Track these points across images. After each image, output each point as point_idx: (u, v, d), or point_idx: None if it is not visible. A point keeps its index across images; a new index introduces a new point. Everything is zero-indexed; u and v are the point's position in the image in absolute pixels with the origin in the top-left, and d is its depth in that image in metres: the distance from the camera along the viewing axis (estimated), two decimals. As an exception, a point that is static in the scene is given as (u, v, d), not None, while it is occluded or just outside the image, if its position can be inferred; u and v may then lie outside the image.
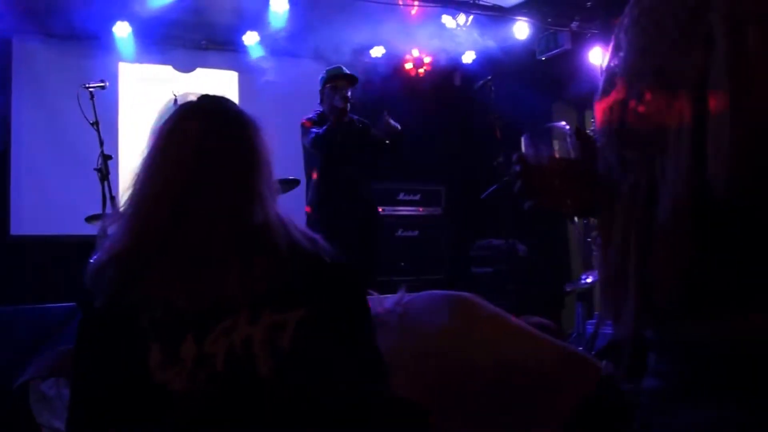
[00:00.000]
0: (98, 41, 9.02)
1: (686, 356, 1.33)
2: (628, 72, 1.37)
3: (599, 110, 1.46)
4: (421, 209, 9.59)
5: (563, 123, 1.69)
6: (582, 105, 9.29)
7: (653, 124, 1.30)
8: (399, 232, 9.52)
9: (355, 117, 7.36)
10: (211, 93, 2.16)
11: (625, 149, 1.38)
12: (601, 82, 1.50)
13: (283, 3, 8.64)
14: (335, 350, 1.98)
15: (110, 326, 1.93)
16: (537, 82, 9.38)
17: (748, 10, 1.21)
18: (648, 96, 1.31)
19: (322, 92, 7.25)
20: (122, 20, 8.94)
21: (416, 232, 9.56)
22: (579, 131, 1.63)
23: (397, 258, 9.26)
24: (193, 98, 2.14)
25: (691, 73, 1.25)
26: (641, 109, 1.33)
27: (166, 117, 2.08)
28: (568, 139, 1.65)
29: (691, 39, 1.26)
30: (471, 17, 9.39)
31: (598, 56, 9.07)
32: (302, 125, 7.08)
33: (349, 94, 7.14)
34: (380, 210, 9.40)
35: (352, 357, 2.02)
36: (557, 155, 1.65)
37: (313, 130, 6.94)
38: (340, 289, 2.08)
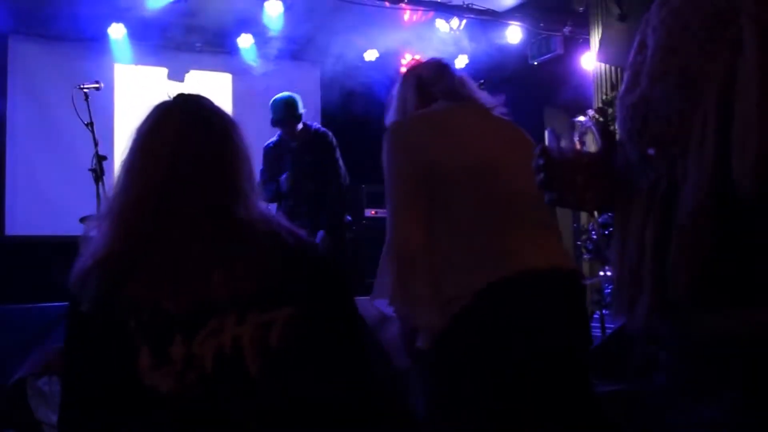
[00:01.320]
0: (93, 43, 9.02)
1: (699, 352, 1.34)
2: (654, 71, 1.37)
3: (622, 107, 1.47)
4: (413, 211, 9.57)
5: (586, 118, 1.69)
6: (573, 109, 9.30)
7: (676, 124, 1.31)
8: (391, 234, 9.50)
9: (313, 127, 7.23)
10: (204, 94, 2.16)
11: (647, 147, 1.39)
12: (625, 78, 1.51)
13: (277, 6, 8.64)
14: (323, 347, 1.98)
15: (98, 330, 1.91)
16: (529, 85, 9.40)
17: None
18: (673, 96, 1.32)
19: (280, 121, 7.04)
20: (117, 22, 8.93)
21: (408, 234, 9.54)
22: (603, 126, 1.62)
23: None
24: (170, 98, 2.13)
25: (717, 75, 1.25)
26: (665, 108, 1.33)
27: (144, 118, 2.07)
28: (591, 134, 1.65)
29: (718, 42, 1.26)
30: (464, 21, 9.41)
31: (589, 61, 9.10)
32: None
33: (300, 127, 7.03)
34: (372, 213, 9.42)
35: (339, 353, 2.02)
36: (579, 149, 1.66)
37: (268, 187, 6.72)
38: (325, 285, 2.07)
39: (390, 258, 2.86)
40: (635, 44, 1.51)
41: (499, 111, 3.17)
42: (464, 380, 2.74)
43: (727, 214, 1.24)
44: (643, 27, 1.50)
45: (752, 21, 1.22)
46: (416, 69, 3.32)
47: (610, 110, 7.17)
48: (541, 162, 1.65)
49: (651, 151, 1.37)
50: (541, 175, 1.65)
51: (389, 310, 2.90)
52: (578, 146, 1.66)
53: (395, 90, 3.26)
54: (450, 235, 2.79)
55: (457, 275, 2.75)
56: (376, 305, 3.05)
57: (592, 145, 1.64)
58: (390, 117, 3.22)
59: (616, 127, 1.54)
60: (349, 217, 7.71)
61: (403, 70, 3.43)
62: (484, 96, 3.18)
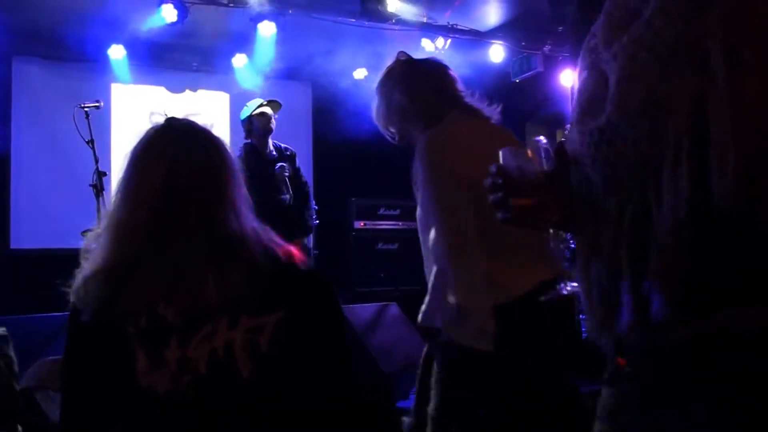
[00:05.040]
0: (94, 63, 9.03)
1: (673, 359, 1.32)
2: (619, 97, 1.34)
3: (582, 132, 1.43)
4: (401, 223, 9.60)
5: (542, 138, 1.67)
6: (554, 124, 9.36)
7: (645, 147, 1.29)
8: (379, 246, 9.55)
9: (282, 145, 7.39)
10: (202, 114, 2.20)
11: (612, 170, 1.36)
12: (578, 103, 1.48)
13: (270, 27, 8.67)
14: (311, 351, 2.01)
15: (97, 337, 1.94)
16: (511, 102, 9.43)
17: (744, 36, 1.21)
18: (640, 120, 1.29)
19: (248, 126, 7.23)
20: (117, 44, 8.95)
21: (396, 245, 9.58)
22: (558, 146, 1.59)
23: (377, 270, 9.29)
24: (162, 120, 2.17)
25: (685, 98, 1.24)
26: (633, 132, 1.30)
27: (138, 139, 2.11)
28: (543, 154, 1.62)
29: (684, 65, 1.25)
30: (449, 41, 9.46)
31: (568, 78, 9.15)
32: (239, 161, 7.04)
33: (274, 121, 7.16)
34: (361, 224, 9.44)
35: (326, 357, 2.04)
36: (535, 169, 1.62)
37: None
38: (315, 294, 2.10)
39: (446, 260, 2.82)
40: (581, 70, 1.51)
41: (496, 120, 3.15)
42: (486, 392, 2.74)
43: (707, 231, 1.23)
44: (588, 54, 1.50)
45: (719, 43, 1.21)
46: (419, 63, 3.23)
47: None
48: (496, 182, 1.63)
49: (616, 174, 1.36)
50: (497, 195, 1.63)
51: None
52: (534, 166, 1.63)
53: (395, 83, 3.15)
54: (488, 244, 2.78)
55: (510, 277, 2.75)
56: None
57: (546, 164, 1.61)
58: (392, 106, 3.14)
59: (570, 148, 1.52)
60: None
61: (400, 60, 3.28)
62: (483, 106, 3.14)
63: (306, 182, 7.49)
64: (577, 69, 1.55)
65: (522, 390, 2.74)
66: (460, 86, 3.15)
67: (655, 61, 1.28)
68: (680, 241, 1.24)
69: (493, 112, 3.13)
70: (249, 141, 7.21)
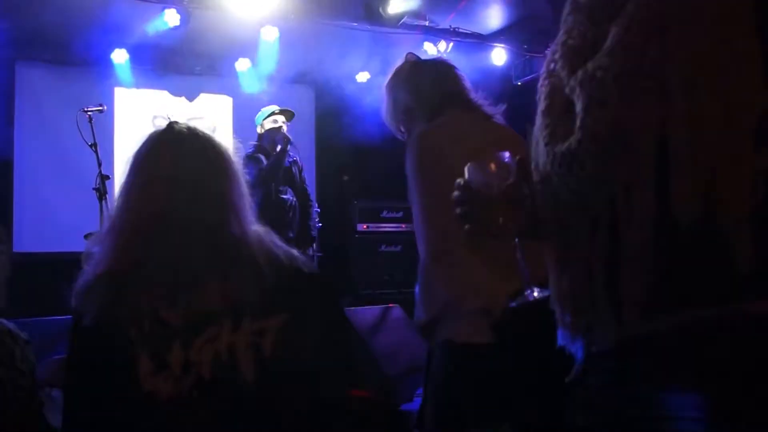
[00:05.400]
0: (97, 67, 9.03)
1: (646, 351, 1.39)
2: (587, 123, 1.38)
3: (552, 152, 1.47)
4: (403, 226, 9.58)
5: (506, 152, 1.70)
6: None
7: (615, 170, 1.36)
8: (382, 248, 9.53)
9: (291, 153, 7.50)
10: (205, 118, 2.20)
11: (583, 189, 1.43)
12: (545, 125, 1.52)
13: (273, 31, 8.67)
14: (314, 354, 2.00)
15: (100, 341, 1.94)
16: (513, 104, 9.43)
17: (702, 64, 1.29)
18: (608, 143, 1.36)
19: (262, 127, 7.39)
20: (120, 48, 8.95)
21: (399, 248, 9.57)
22: (519, 161, 1.65)
23: (381, 272, 9.28)
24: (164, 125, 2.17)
25: (649, 122, 1.32)
26: (604, 155, 1.37)
27: (140, 143, 2.12)
28: (507, 168, 1.66)
29: (647, 91, 1.32)
30: (451, 44, 9.46)
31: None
32: (246, 157, 7.12)
33: (285, 128, 7.30)
34: (364, 227, 9.44)
35: (329, 359, 2.04)
36: (500, 183, 1.67)
37: (252, 168, 7.02)
38: (318, 296, 2.10)
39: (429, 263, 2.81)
40: (546, 93, 1.55)
41: (499, 119, 3.13)
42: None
43: (671, 242, 1.32)
44: (549, 77, 1.55)
45: (676, 69, 1.30)
46: (425, 63, 3.25)
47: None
48: (461, 196, 1.70)
49: (584, 190, 1.42)
50: (461, 209, 1.70)
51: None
52: (498, 179, 1.67)
53: (400, 81, 3.17)
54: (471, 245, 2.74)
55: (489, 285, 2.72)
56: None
57: (510, 178, 1.66)
58: (398, 104, 3.15)
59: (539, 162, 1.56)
60: None
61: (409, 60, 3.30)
62: (485, 103, 3.14)
63: (309, 193, 7.65)
64: (541, 88, 1.60)
65: (522, 383, 2.73)
66: (464, 84, 3.14)
67: (619, 89, 1.34)
68: (647, 252, 1.34)
69: (496, 111, 3.13)
70: (257, 144, 7.32)
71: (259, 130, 7.39)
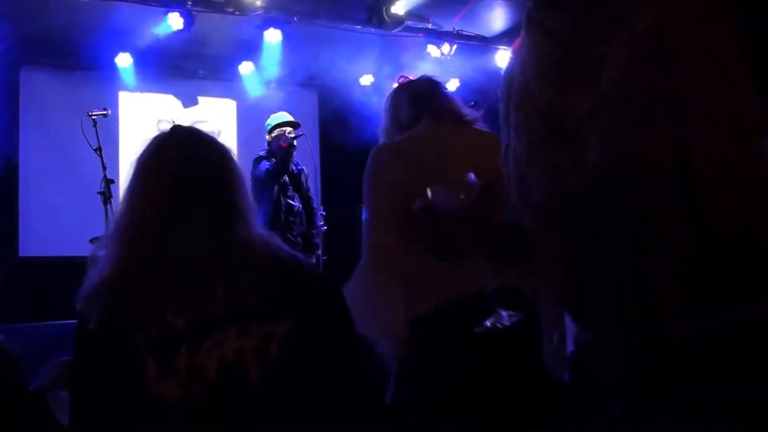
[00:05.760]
0: (101, 71, 9.04)
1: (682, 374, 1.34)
2: (606, 152, 1.34)
3: (555, 184, 1.43)
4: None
5: (471, 174, 1.62)
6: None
7: (634, 197, 1.32)
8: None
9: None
10: (209, 121, 2.20)
11: (597, 217, 1.38)
12: (538, 161, 1.47)
13: (276, 34, 8.67)
14: (319, 358, 2.00)
15: (106, 345, 1.94)
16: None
17: (712, 86, 1.27)
18: (627, 172, 1.32)
19: (270, 133, 7.59)
20: (124, 51, 8.96)
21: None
22: (483, 184, 1.59)
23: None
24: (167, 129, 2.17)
25: (668, 147, 1.28)
26: (622, 183, 1.33)
27: (144, 147, 2.12)
28: (471, 190, 1.59)
29: (662, 116, 1.29)
30: (455, 46, 9.45)
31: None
32: (256, 158, 7.47)
33: (293, 135, 7.46)
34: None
35: (335, 364, 2.03)
36: (463, 205, 1.59)
37: (265, 163, 7.35)
38: (324, 301, 2.09)
39: (364, 268, 2.87)
40: (527, 119, 1.51)
41: (481, 125, 3.16)
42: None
43: (707, 260, 1.28)
44: (527, 102, 1.51)
45: (692, 96, 1.27)
46: (409, 84, 3.33)
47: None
48: (423, 218, 1.61)
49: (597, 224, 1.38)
50: (423, 231, 1.63)
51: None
52: (460, 202, 1.60)
53: (388, 102, 3.26)
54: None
55: (424, 291, 2.76)
56: None
57: (472, 200, 1.59)
58: (383, 127, 3.24)
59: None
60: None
61: (395, 85, 3.41)
62: (469, 111, 3.17)
63: (313, 201, 7.82)
64: (516, 106, 1.54)
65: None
66: (443, 98, 3.18)
67: (634, 116, 1.30)
68: (681, 276, 1.28)
69: (475, 115, 3.16)
70: (268, 149, 7.54)
71: (267, 137, 7.56)
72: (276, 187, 7.34)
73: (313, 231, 7.71)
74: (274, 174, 7.27)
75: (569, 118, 1.40)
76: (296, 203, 7.50)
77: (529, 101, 1.50)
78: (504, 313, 1.62)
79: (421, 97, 3.16)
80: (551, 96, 1.44)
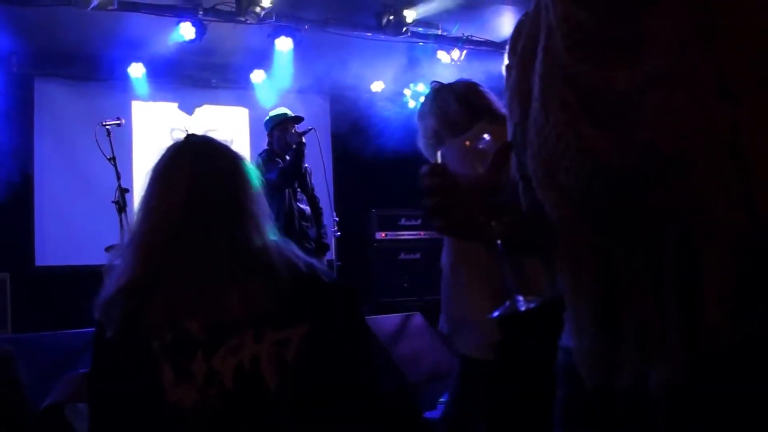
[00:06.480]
0: (114, 82, 9.09)
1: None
2: (652, 133, 1.23)
3: (584, 166, 1.30)
4: (422, 233, 9.58)
5: (486, 136, 1.44)
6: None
7: (684, 185, 1.22)
8: (401, 256, 9.53)
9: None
10: (221, 129, 2.21)
11: (638, 207, 1.27)
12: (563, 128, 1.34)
13: (287, 42, 8.69)
14: (336, 364, 1.99)
15: (123, 353, 1.94)
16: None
17: (760, 61, 1.19)
18: (674, 158, 1.22)
19: (270, 134, 7.38)
20: (136, 62, 8.99)
21: (418, 255, 9.56)
22: (503, 151, 1.43)
23: (400, 280, 9.28)
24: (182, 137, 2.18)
25: (720, 126, 1.19)
26: (670, 169, 1.23)
27: (159, 156, 2.12)
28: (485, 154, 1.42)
29: (710, 93, 1.20)
30: (465, 52, 9.46)
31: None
32: (262, 160, 7.16)
33: (300, 131, 7.23)
34: (383, 235, 9.43)
35: (352, 370, 2.03)
36: (479, 173, 1.40)
37: (271, 167, 7.00)
38: (339, 306, 2.08)
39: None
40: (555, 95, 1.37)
41: None
42: None
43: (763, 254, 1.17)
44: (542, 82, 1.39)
45: (745, 73, 1.18)
46: (450, 86, 3.25)
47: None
48: (433, 183, 1.43)
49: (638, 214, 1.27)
50: (434, 200, 1.43)
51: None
52: (473, 169, 1.40)
53: (429, 104, 3.18)
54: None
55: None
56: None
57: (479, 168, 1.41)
58: (429, 129, 3.15)
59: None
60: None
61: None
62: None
63: (318, 200, 7.64)
64: (539, 81, 1.40)
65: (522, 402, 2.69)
66: (490, 98, 3.13)
67: (684, 95, 1.20)
68: (732, 271, 1.17)
69: None
70: (267, 149, 7.35)
71: (269, 137, 7.40)
72: (287, 192, 7.14)
73: (321, 231, 7.51)
74: (287, 179, 7.05)
75: (609, 93, 1.28)
76: (306, 206, 7.32)
77: (560, 73, 1.35)
78: (519, 298, 1.47)
79: (471, 97, 3.12)
80: (587, 69, 1.32)
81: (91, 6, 7.27)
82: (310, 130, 7.25)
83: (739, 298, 1.18)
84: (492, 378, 2.66)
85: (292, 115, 7.41)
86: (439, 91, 3.22)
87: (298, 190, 7.30)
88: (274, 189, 6.81)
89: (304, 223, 7.21)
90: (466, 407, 2.83)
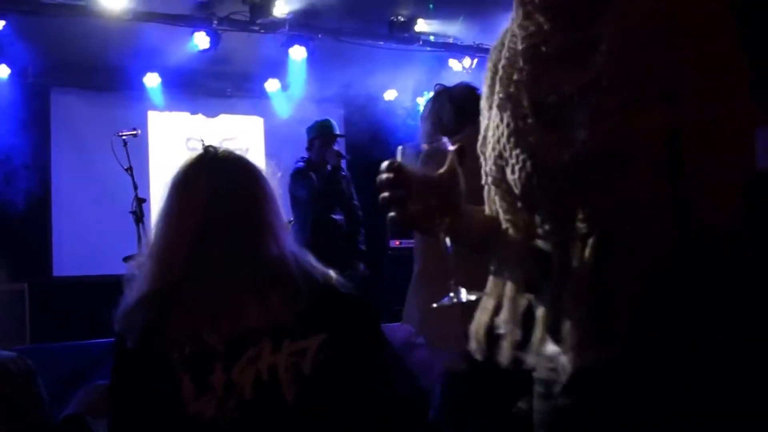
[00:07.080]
0: (130, 92, 9.13)
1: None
2: (592, 132, 1.27)
3: (532, 164, 1.36)
4: (436, 241, 9.56)
5: (445, 139, 1.50)
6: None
7: (615, 186, 1.27)
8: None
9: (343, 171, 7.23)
10: (237, 138, 2.21)
11: (574, 204, 1.32)
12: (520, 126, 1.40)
13: (301, 51, 8.72)
14: (353, 374, 1.99)
15: (143, 364, 1.95)
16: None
17: (709, 69, 1.23)
18: (612, 158, 1.27)
19: (311, 142, 7.06)
20: (152, 72, 9.03)
21: (432, 263, 9.53)
22: (460, 153, 1.48)
23: (414, 288, 9.25)
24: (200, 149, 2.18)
25: (658, 131, 1.23)
26: (606, 166, 1.27)
27: (178, 168, 2.13)
28: (445, 156, 1.47)
29: (654, 98, 1.26)
30: (476, 60, 9.47)
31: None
32: (296, 173, 6.82)
33: (339, 153, 7.06)
34: (397, 243, 9.41)
35: (368, 379, 2.03)
36: (436, 171, 1.45)
37: (305, 182, 6.75)
38: (356, 317, 2.09)
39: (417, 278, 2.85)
40: (507, 99, 1.45)
41: None
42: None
43: (693, 257, 1.22)
44: (509, 88, 1.46)
45: (689, 79, 1.22)
46: (449, 90, 3.29)
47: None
48: (390, 178, 1.47)
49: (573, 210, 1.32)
50: (391, 193, 1.47)
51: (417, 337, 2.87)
52: (431, 168, 1.46)
53: (429, 107, 3.24)
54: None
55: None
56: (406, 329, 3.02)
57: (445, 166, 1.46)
58: (425, 132, 3.21)
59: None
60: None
61: (429, 94, 3.42)
62: None
63: (358, 208, 7.31)
64: (499, 83, 1.50)
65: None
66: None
67: (624, 96, 1.24)
68: (663, 269, 1.22)
69: None
70: (306, 159, 7.01)
71: (309, 143, 7.08)
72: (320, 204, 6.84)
73: (359, 239, 7.19)
74: (317, 200, 6.76)
75: (556, 95, 1.33)
76: (340, 217, 6.99)
77: (516, 76, 1.43)
78: (460, 290, 1.49)
79: (464, 103, 3.13)
80: (539, 71, 1.38)
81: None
82: (343, 157, 7.05)
83: (652, 309, 1.23)
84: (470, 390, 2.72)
85: (338, 132, 7.21)
86: (438, 95, 3.28)
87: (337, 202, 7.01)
88: (304, 205, 6.66)
89: (338, 234, 6.93)
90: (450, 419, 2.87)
